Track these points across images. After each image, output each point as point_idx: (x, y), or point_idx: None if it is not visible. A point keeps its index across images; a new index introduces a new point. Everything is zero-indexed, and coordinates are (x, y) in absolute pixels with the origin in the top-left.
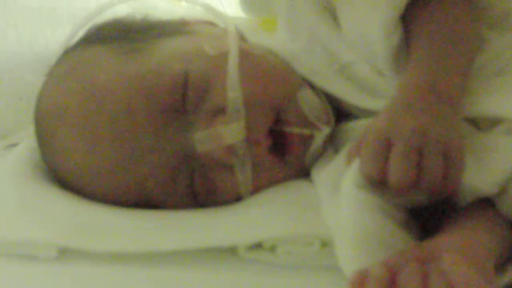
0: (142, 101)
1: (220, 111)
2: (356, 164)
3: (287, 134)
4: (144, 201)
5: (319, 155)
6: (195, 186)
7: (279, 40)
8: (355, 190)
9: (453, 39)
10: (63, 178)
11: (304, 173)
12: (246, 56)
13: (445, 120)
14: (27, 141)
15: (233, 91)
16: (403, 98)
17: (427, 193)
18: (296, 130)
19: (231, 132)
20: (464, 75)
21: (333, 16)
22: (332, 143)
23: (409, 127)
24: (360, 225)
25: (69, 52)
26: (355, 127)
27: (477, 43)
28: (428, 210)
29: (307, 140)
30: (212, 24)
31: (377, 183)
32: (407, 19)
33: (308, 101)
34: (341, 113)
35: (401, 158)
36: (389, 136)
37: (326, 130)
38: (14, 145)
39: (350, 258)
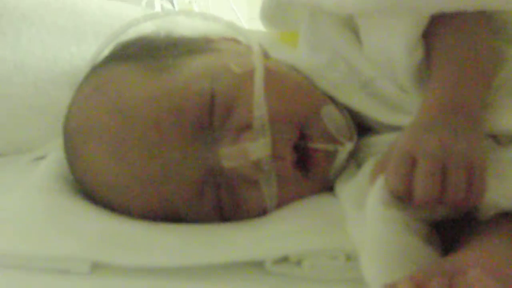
0: (170, 118)
1: (246, 127)
2: (380, 181)
3: (311, 149)
4: (171, 215)
5: (342, 170)
6: (222, 201)
7: (301, 56)
8: (381, 207)
9: (474, 56)
10: (92, 193)
11: (327, 187)
12: (271, 73)
13: (467, 137)
14: (54, 155)
15: (259, 108)
16: (426, 117)
17: (451, 208)
18: (320, 145)
19: (257, 148)
20: (485, 91)
21: (354, 32)
22: (355, 157)
23: (433, 144)
24: (386, 241)
25: (96, 70)
26: (377, 142)
27: (497, 59)
28: (449, 224)
29: (330, 155)
30: (235, 41)
31: (403, 199)
32: (429, 37)
33: (332, 117)
34: (363, 127)
35: (426, 174)
36: (414, 153)
37: (349, 146)
38: (41, 158)
39: (377, 273)
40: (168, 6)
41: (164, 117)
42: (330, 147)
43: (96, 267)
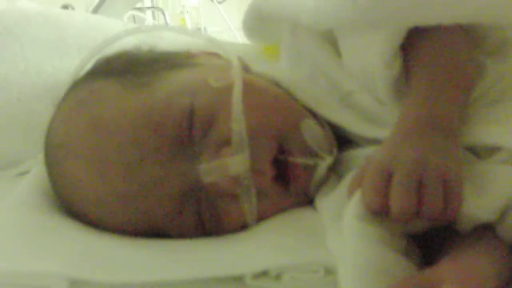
0: (150, 134)
1: (225, 142)
2: (357, 195)
3: (291, 164)
4: (152, 230)
5: (323, 183)
6: (202, 216)
7: (281, 69)
8: (356, 222)
9: (452, 68)
10: (72, 208)
11: (308, 200)
12: (250, 87)
13: (444, 150)
14: (36, 170)
15: (237, 123)
16: (403, 130)
17: (428, 222)
18: (300, 160)
19: (236, 163)
20: (463, 104)
21: (334, 45)
22: (336, 171)
23: (408, 158)
24: (362, 255)
25: (77, 85)
26: (358, 155)
27: (475, 71)
28: (427, 235)
29: (310, 169)
30: (216, 55)
31: (379, 213)
32: (407, 49)
33: (311, 131)
34: (344, 140)
35: (401, 188)
36: (389, 167)
37: (329, 160)
38: (25, 173)
39: (354, 286)
40: (160, 16)
41: (143, 133)
42: (309, 161)
43: (75, 284)
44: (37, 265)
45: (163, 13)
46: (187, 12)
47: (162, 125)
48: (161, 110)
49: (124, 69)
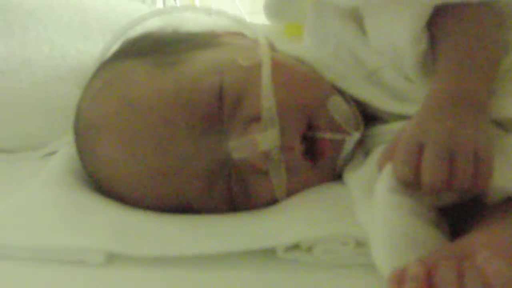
0: (180, 112)
1: (254, 119)
2: (388, 168)
3: (319, 139)
4: (183, 206)
5: (350, 159)
6: (232, 191)
7: (306, 47)
8: (388, 194)
9: (479, 44)
10: (104, 186)
11: (336, 176)
12: (278, 65)
13: (474, 124)
14: (64, 150)
15: (267, 100)
16: (432, 105)
17: (458, 193)
18: (327, 135)
19: (265, 139)
20: (491, 78)
21: (358, 23)
22: (362, 146)
23: (439, 131)
24: (395, 227)
25: (105, 66)
26: (384, 131)
27: (502, 47)
28: (457, 208)
29: (338, 145)
30: (241, 35)
31: (410, 185)
32: (433, 27)
33: (338, 108)
34: (370, 117)
35: (433, 159)
36: (420, 139)
37: (356, 135)
38: (50, 154)
39: (386, 258)
40: (171, 1)
41: (174, 111)
42: (337, 136)
43: (111, 258)
44: (74, 240)
45: None
46: None
47: (192, 103)
48: (190, 89)
49: (151, 49)
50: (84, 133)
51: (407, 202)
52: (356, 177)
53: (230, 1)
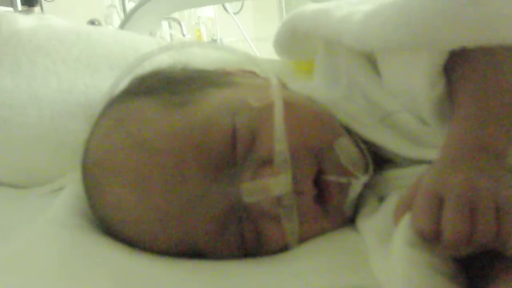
0: (192, 154)
1: (267, 162)
2: (406, 220)
3: (325, 182)
4: (192, 250)
5: (363, 204)
6: (244, 236)
7: (317, 87)
8: (406, 247)
9: (497, 89)
10: (112, 228)
11: (348, 221)
12: (290, 106)
13: (494, 174)
14: (71, 188)
15: (279, 143)
16: (451, 154)
17: (479, 247)
18: (333, 178)
19: (278, 183)
20: (509, 125)
21: (372, 64)
22: (375, 191)
23: (460, 183)
24: (413, 282)
25: (114, 103)
26: (398, 176)
27: None
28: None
29: (344, 188)
30: (252, 73)
31: (429, 238)
32: (450, 69)
33: (345, 150)
34: (383, 160)
35: (455, 213)
36: (440, 191)
37: (363, 179)
38: (57, 190)
39: None
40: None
41: (186, 153)
42: (343, 179)
43: None
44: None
45: (180, 24)
46: (203, 23)
47: (204, 144)
48: (203, 130)
49: (161, 87)
50: (92, 172)
51: (426, 256)
52: (370, 225)
53: (235, 28)
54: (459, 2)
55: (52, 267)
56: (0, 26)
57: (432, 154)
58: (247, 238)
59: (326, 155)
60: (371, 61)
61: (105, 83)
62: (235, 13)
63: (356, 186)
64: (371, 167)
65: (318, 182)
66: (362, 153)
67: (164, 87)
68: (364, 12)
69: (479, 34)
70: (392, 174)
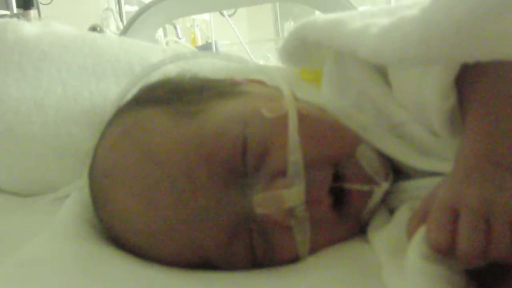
0: (202, 165)
1: (280, 173)
2: (420, 234)
3: (346, 190)
4: (201, 261)
5: (374, 215)
6: (254, 247)
7: (325, 96)
8: (421, 261)
9: (510, 103)
10: (119, 238)
11: (358, 230)
12: (304, 117)
13: (508, 188)
14: (77, 196)
15: (293, 154)
16: (464, 168)
17: (494, 260)
18: (356, 186)
19: (291, 195)
20: None
21: (383, 75)
22: (386, 203)
23: (475, 197)
24: None
25: (123, 113)
26: (409, 188)
27: None
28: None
29: (366, 196)
30: (261, 82)
31: (444, 252)
32: (461, 81)
33: (367, 157)
34: (394, 171)
35: (470, 227)
36: (455, 205)
37: (385, 186)
38: (62, 198)
39: None
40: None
41: (196, 163)
42: (365, 187)
43: None
44: None
45: (175, 27)
46: (197, 26)
47: (215, 155)
48: (213, 140)
49: (170, 97)
50: (100, 181)
51: (440, 269)
52: (382, 237)
53: (230, 30)
54: (480, 19)
55: (57, 280)
56: (6, 33)
57: (443, 166)
58: (257, 249)
59: (347, 163)
60: (381, 72)
61: (110, 89)
62: (229, 16)
63: (378, 193)
64: (391, 175)
65: (335, 190)
66: (382, 160)
67: (173, 96)
68: (382, 26)
69: (497, 50)
70: (403, 186)
